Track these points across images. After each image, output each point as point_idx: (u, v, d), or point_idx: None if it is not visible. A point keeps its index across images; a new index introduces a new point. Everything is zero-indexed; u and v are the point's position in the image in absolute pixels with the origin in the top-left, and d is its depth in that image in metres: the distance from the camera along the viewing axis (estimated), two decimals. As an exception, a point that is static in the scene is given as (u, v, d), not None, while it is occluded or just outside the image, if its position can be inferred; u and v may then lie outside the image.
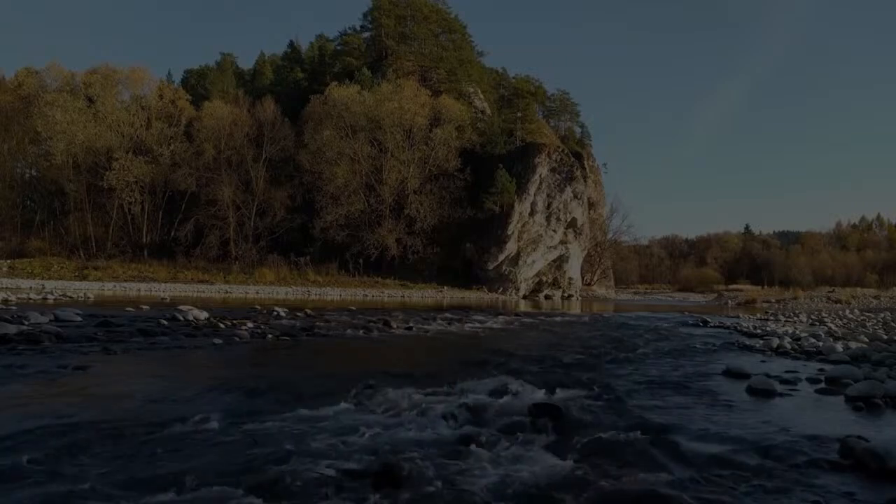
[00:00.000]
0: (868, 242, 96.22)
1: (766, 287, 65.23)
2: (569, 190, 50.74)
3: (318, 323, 12.64)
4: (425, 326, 12.96)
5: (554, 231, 49.93)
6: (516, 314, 19.59)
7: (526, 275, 47.62)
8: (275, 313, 14.92)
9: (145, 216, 47.21)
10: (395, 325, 12.53)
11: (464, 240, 46.10)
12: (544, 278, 49.20)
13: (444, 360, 7.79)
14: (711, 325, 15.92)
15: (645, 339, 11.52)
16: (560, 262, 50.58)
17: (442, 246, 46.39)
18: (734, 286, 75.47)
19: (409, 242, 46.34)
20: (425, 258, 46.27)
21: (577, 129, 63.19)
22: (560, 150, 52.32)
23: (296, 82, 56.45)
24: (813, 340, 9.80)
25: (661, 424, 4.11)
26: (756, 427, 4.21)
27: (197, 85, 55.77)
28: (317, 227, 45.69)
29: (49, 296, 21.84)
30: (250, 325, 11.22)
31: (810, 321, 17.13)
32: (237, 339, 9.32)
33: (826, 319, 17.21)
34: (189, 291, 34.25)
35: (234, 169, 46.78)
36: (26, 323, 9.49)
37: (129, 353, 7.46)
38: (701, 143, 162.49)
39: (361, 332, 11.37)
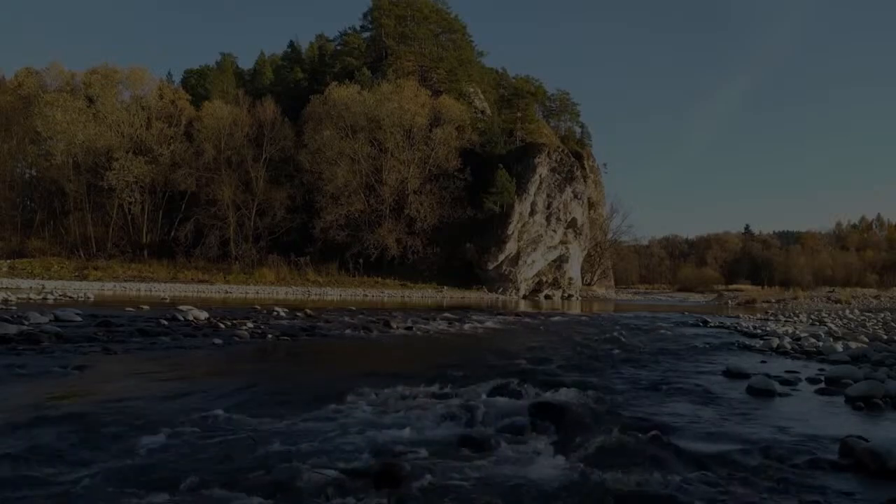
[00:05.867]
0: (868, 242, 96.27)
1: (766, 287, 65.18)
2: (569, 190, 50.74)
3: (317, 323, 12.64)
4: (425, 327, 12.95)
5: (554, 231, 49.93)
6: (516, 314, 19.59)
7: (526, 275, 47.62)
8: (275, 313, 14.92)
9: (145, 216, 47.22)
10: (394, 326, 12.53)
11: (464, 240, 46.09)
12: (544, 278, 49.20)
13: (445, 361, 7.79)
14: (711, 325, 15.93)
15: (645, 338, 11.52)
16: (560, 262, 50.58)
17: (442, 246, 46.38)
18: (734, 286, 75.48)
19: (409, 242, 46.33)
20: (425, 258, 46.26)
21: (577, 129, 63.18)
22: (560, 150, 52.33)
23: (296, 82, 56.44)
24: (813, 340, 9.79)
25: (661, 424, 4.11)
26: (756, 427, 4.21)
27: (197, 85, 55.76)
28: (317, 227, 45.70)
29: (49, 296, 21.83)
30: (250, 325, 11.22)
31: (810, 321, 17.14)
32: (237, 339, 9.32)
33: (826, 319, 17.22)
34: (189, 291, 34.25)
35: (234, 169, 46.77)
36: (26, 323, 9.49)
37: (129, 353, 7.46)
38: (701, 143, 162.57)
39: (361, 332, 11.37)
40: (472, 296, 41.45)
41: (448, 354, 8.91)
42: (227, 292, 35.54)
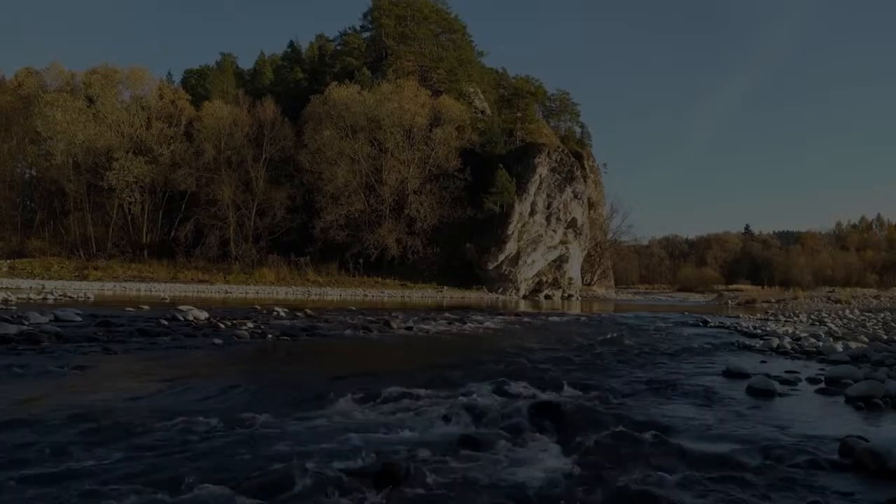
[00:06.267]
0: (868, 242, 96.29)
1: (766, 287, 65.17)
2: (569, 190, 50.74)
3: (317, 323, 12.65)
4: (425, 326, 12.95)
5: (554, 231, 49.94)
6: (516, 314, 19.59)
7: (526, 275, 47.62)
8: (275, 313, 14.92)
9: (145, 216, 47.22)
10: (394, 326, 12.53)
11: (464, 240, 46.09)
12: (544, 278, 49.20)
13: (444, 361, 7.79)
14: (711, 325, 15.92)
15: (644, 338, 11.52)
16: (560, 262, 50.58)
17: (442, 246, 46.39)
18: (734, 286, 75.49)
19: (409, 242, 46.34)
20: (425, 258, 46.27)
21: (577, 129, 63.17)
22: (560, 150, 52.33)
23: (296, 82, 56.45)
24: (813, 340, 9.79)
25: (661, 424, 4.11)
26: (756, 427, 4.21)
27: (197, 85, 55.76)
28: (317, 227, 45.70)
29: (49, 296, 21.83)
30: (250, 325, 11.22)
31: (810, 321, 17.13)
32: (237, 339, 9.32)
33: (826, 319, 17.21)
34: (189, 291, 34.25)
35: (234, 169, 46.77)
36: (26, 323, 9.49)
37: (129, 353, 7.46)
38: (701, 143, 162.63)
39: (361, 332, 11.37)
40: (472, 296, 41.45)
41: (448, 354, 8.91)
42: (227, 292, 35.54)
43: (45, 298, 20.35)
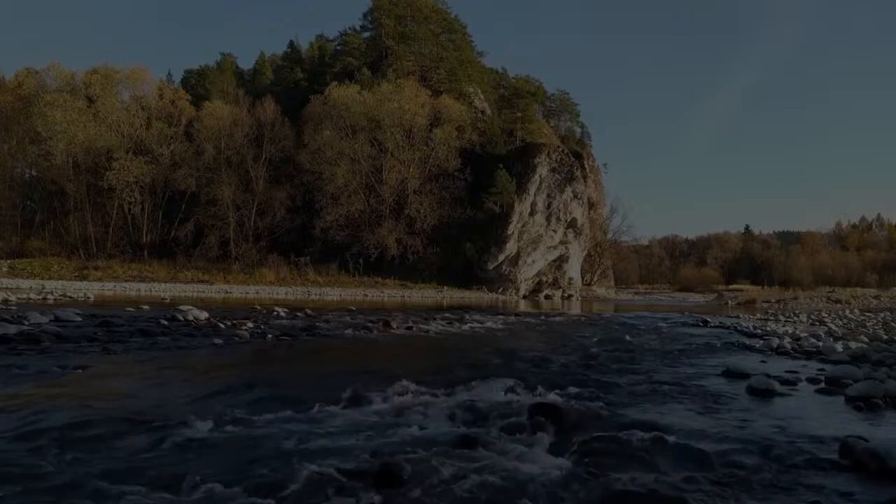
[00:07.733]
0: (868, 242, 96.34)
1: (766, 287, 65.21)
2: (569, 190, 50.76)
3: (317, 323, 12.64)
4: (425, 326, 12.94)
5: (554, 231, 49.95)
6: (516, 314, 19.59)
7: (526, 275, 47.63)
8: (275, 313, 14.92)
9: (145, 216, 47.22)
10: (394, 326, 12.52)
11: (464, 240, 46.11)
12: (544, 278, 49.21)
13: (444, 361, 7.79)
14: (711, 325, 15.92)
15: (645, 338, 11.52)
16: (560, 262, 50.59)
17: (442, 246, 46.40)
18: (734, 286, 75.47)
19: (409, 242, 46.35)
20: (425, 258, 46.29)
21: (577, 129, 63.31)
22: (560, 150, 52.36)
23: (296, 82, 56.48)
24: (813, 340, 9.79)
25: (660, 424, 4.11)
26: (756, 427, 4.21)
27: (197, 85, 55.79)
28: (317, 227, 45.73)
29: (49, 296, 21.83)
30: (250, 325, 11.22)
31: (810, 321, 17.14)
32: (237, 339, 9.31)
33: (826, 319, 17.22)
34: (189, 291, 34.25)
35: (234, 169, 46.79)
36: (26, 323, 9.49)
37: (129, 353, 7.45)
38: (701, 143, 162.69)
39: (361, 332, 11.36)
40: (472, 296, 41.45)
41: (448, 354, 8.91)
42: (227, 292, 35.55)
43: (45, 298, 20.36)
